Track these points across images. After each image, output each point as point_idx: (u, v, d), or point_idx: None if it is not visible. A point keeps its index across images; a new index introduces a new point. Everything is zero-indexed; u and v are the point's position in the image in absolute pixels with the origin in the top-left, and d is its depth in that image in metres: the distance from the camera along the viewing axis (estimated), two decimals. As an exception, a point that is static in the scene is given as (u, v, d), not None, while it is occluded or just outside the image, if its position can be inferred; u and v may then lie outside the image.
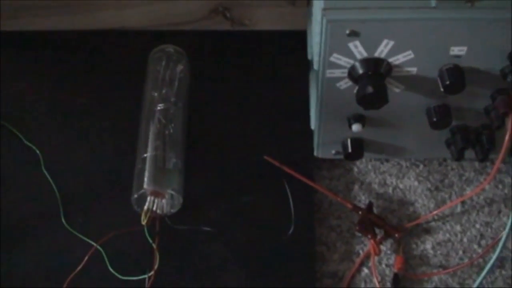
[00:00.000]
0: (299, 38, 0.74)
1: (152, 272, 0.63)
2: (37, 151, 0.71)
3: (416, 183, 0.71)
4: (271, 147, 0.71)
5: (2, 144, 0.71)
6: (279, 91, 0.75)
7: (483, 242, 0.68)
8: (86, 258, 0.64)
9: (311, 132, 0.70)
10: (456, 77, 0.59)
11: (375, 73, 0.60)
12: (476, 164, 0.72)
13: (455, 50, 0.59)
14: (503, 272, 0.67)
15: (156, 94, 0.71)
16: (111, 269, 0.65)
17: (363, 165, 0.72)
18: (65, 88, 0.75)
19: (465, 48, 0.58)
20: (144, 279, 0.63)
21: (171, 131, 0.69)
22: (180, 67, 0.73)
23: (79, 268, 0.63)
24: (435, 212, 0.70)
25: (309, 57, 0.71)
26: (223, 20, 0.78)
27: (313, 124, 0.69)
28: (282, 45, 0.77)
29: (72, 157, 0.71)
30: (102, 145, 0.72)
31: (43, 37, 0.77)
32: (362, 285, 0.67)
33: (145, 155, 0.67)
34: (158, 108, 0.70)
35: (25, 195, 0.69)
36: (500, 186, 0.71)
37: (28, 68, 0.76)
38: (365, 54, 0.59)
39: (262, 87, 0.75)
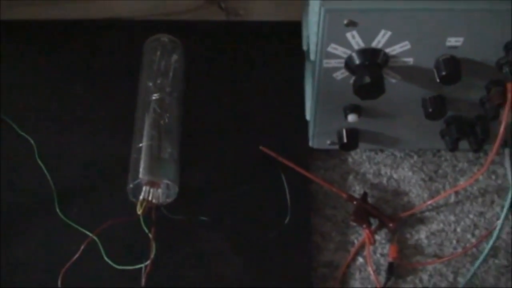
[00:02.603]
0: (294, 28, 0.74)
1: (148, 262, 0.63)
2: (31, 141, 0.70)
3: (410, 174, 0.72)
4: (267, 137, 0.71)
5: (-4, 134, 0.71)
6: (274, 82, 0.75)
7: (476, 232, 0.69)
8: (81, 248, 0.63)
9: (306, 123, 0.70)
10: (452, 68, 0.60)
11: (372, 64, 0.60)
12: (470, 154, 0.72)
13: (452, 41, 0.59)
14: (496, 261, 0.67)
15: (151, 84, 0.70)
16: (106, 259, 0.64)
17: (358, 156, 0.73)
18: (60, 77, 0.75)
19: (461, 39, 0.59)
20: (141, 268, 0.63)
21: (166, 120, 0.69)
22: (175, 57, 0.72)
23: (74, 258, 0.63)
24: (429, 202, 0.70)
25: (304, 47, 0.71)
26: (218, 10, 0.78)
27: (308, 115, 0.69)
28: (277, 35, 0.77)
29: (66, 146, 0.71)
30: (97, 135, 0.72)
31: (37, 27, 0.77)
32: (357, 274, 0.67)
33: (140, 144, 0.67)
34: (153, 98, 0.69)
35: (19, 185, 0.69)
36: (493, 177, 0.71)
37: (22, 58, 0.76)
38: (362, 45, 0.59)
39: (257, 77, 0.75)
